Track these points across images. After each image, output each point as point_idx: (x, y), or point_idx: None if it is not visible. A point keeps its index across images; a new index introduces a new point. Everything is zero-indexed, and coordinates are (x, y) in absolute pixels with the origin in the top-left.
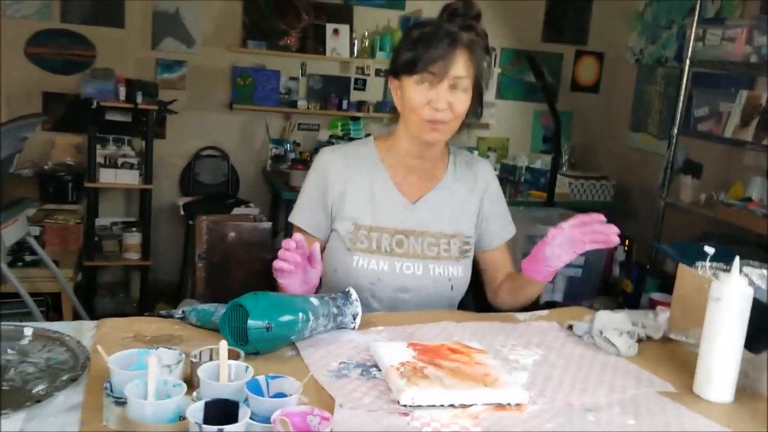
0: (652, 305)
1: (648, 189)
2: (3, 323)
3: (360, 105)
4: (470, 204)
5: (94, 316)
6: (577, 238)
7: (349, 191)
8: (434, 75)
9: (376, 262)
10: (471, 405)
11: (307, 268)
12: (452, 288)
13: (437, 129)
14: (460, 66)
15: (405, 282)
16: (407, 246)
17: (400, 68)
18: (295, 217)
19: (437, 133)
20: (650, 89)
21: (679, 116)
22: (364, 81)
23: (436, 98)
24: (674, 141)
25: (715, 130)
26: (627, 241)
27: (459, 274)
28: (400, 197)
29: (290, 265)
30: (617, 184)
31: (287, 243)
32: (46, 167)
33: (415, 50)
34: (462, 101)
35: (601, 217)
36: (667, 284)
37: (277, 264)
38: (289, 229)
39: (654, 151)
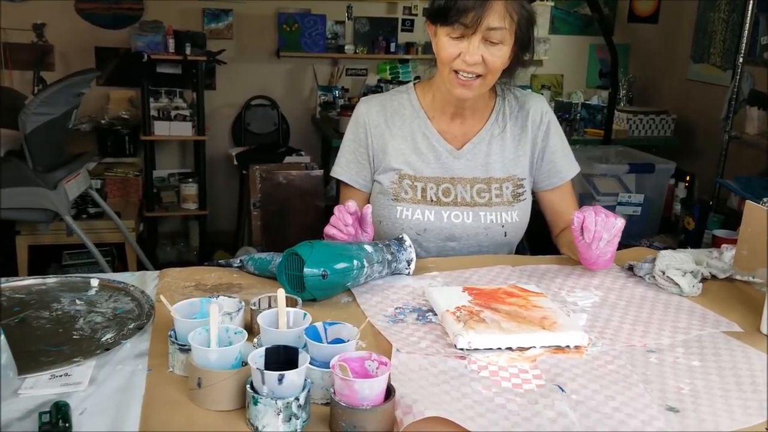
0: (716, 243)
1: (710, 122)
2: (70, 275)
3: (408, 47)
4: (523, 144)
5: (157, 264)
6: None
7: (391, 141)
8: (466, 27)
9: (421, 212)
10: (529, 348)
11: (359, 233)
12: (506, 234)
13: (468, 85)
14: (495, 16)
15: (453, 231)
16: (455, 194)
17: (433, 16)
18: (337, 173)
19: (467, 89)
20: (713, 17)
21: (744, 44)
22: (412, 21)
23: (468, 51)
24: (739, 71)
25: None
26: (688, 178)
27: (513, 219)
28: (444, 144)
29: (344, 235)
30: (678, 118)
31: (344, 216)
32: (102, 121)
33: None
34: (497, 55)
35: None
36: (731, 221)
37: (329, 231)
38: (336, 182)
39: (717, 83)
